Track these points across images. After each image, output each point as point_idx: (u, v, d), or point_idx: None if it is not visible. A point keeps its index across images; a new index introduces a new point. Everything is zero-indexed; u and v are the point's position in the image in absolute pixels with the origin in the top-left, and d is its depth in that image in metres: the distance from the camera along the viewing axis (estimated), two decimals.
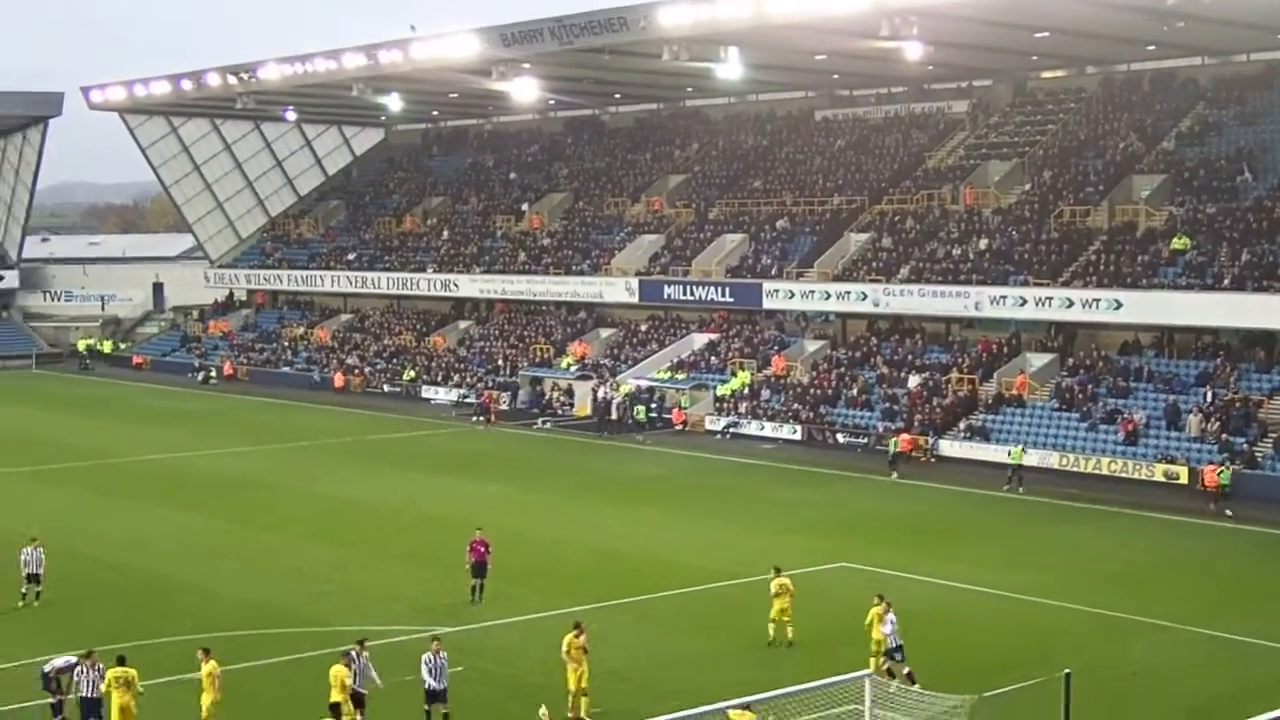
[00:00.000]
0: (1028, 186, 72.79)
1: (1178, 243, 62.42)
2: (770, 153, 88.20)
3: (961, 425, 62.25)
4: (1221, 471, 50.56)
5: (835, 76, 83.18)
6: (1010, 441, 59.45)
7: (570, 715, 27.57)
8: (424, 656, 27.22)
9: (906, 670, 29.17)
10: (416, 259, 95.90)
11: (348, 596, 37.91)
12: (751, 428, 68.02)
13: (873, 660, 29.00)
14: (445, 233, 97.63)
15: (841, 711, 25.68)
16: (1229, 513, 48.60)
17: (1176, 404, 57.41)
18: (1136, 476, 55.08)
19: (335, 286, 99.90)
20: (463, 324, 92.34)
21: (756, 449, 64.39)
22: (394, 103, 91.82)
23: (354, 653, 27.04)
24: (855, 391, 67.13)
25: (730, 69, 70.53)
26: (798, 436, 66.06)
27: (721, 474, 59.11)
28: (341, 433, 71.11)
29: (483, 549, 37.13)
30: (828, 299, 72.55)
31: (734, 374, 72.71)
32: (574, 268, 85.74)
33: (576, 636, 28.15)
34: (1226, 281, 58.92)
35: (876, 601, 30.13)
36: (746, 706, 24.73)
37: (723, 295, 76.87)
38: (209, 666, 26.51)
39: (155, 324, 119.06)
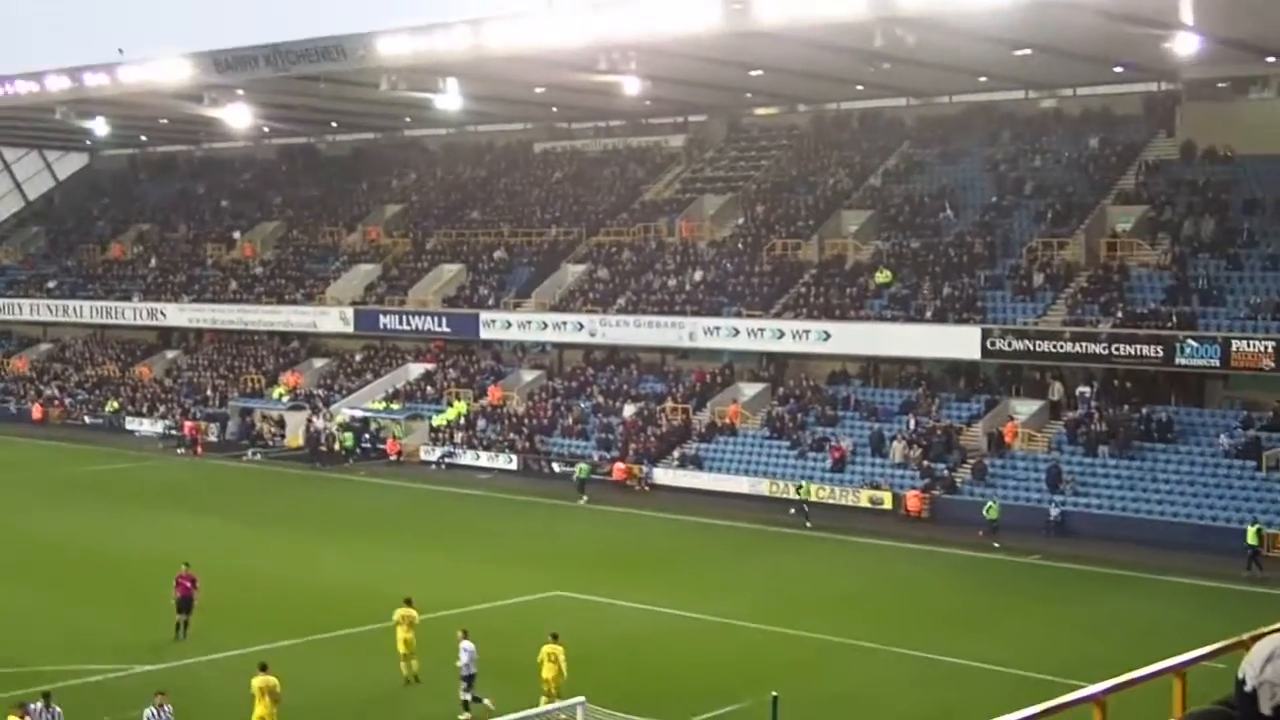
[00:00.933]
0: (741, 220, 74.20)
1: (880, 276, 64.36)
2: (488, 184, 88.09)
3: (675, 454, 62.94)
4: (989, 507, 51.06)
5: (554, 109, 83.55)
6: (722, 470, 60.43)
7: None
8: (145, 712, 25.93)
9: (473, 697, 29.48)
10: (122, 287, 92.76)
11: (47, 634, 36.22)
12: (467, 458, 67.60)
13: (543, 699, 28.64)
14: (153, 260, 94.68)
15: None
16: (996, 545, 49.19)
17: (881, 431, 59.06)
18: (843, 502, 56.41)
19: (34, 315, 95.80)
20: (170, 354, 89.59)
21: (472, 479, 63.97)
22: (100, 127, 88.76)
23: (37, 705, 25.49)
24: (571, 421, 67.33)
25: (449, 100, 70.19)
26: (514, 466, 65.88)
27: (437, 505, 58.54)
28: (39, 466, 68.22)
29: (189, 584, 35.95)
30: (544, 329, 72.67)
31: (450, 404, 72.21)
32: (287, 297, 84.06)
33: (265, 676, 27.45)
34: (929, 314, 60.95)
35: (550, 640, 29.87)
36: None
37: (439, 325, 76.31)
38: None
39: None
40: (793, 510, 54.32)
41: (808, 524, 53.01)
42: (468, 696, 29.62)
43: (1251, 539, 45.41)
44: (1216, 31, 54.13)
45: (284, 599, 40.64)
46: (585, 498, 58.18)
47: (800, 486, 56.03)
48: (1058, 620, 39.14)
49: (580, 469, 60.20)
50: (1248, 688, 3.50)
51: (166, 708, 25.91)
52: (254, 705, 27.09)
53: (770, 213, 73.42)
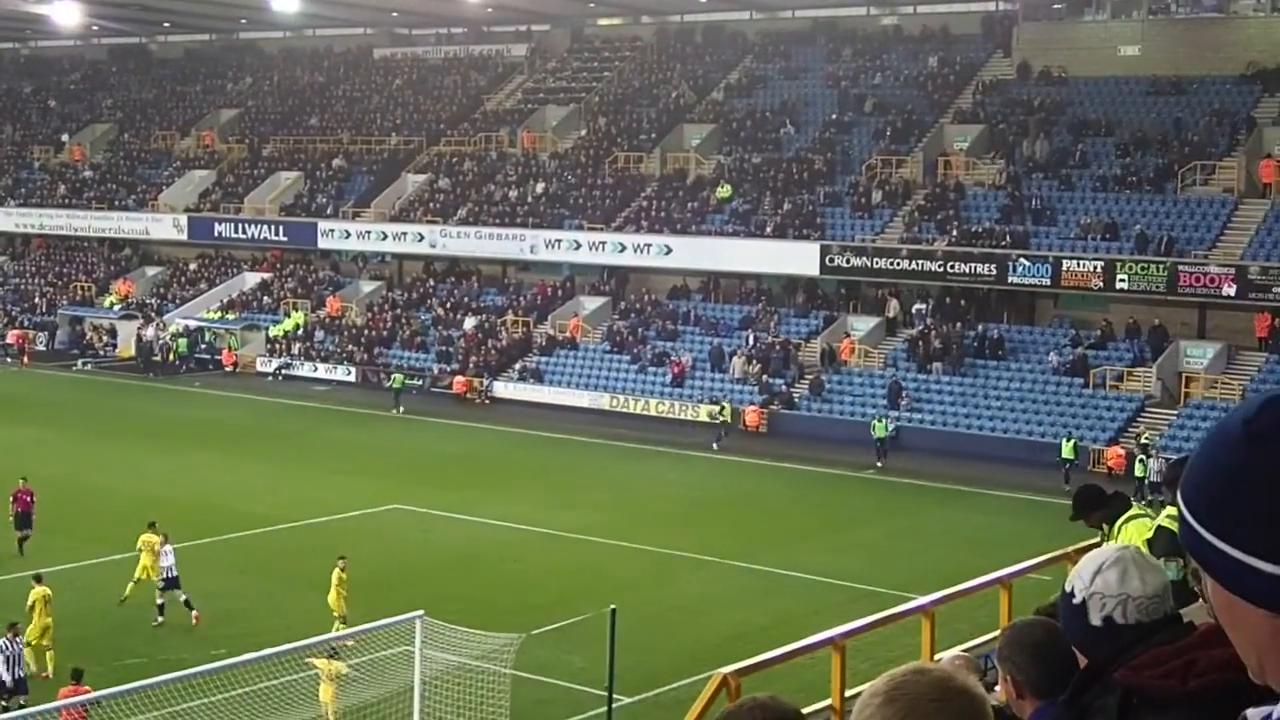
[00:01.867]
0: (584, 132, 73.85)
1: (721, 191, 64.59)
2: (327, 90, 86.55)
3: (516, 367, 62.82)
4: (878, 423, 50.50)
5: (394, 15, 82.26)
6: (563, 384, 60.52)
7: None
8: None
9: (185, 601, 29.80)
10: None
11: None
12: (305, 369, 66.78)
13: (337, 624, 27.96)
14: None
15: (395, 652, 25.50)
16: (879, 464, 49.19)
17: (721, 347, 59.49)
18: (683, 417, 56.77)
19: None
20: None
21: (310, 391, 63.20)
22: None
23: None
24: (410, 333, 66.81)
25: (286, 1, 68.66)
26: (352, 378, 65.23)
27: (274, 416, 57.86)
28: None
29: (28, 499, 35.19)
30: (384, 240, 71.86)
31: (287, 315, 71.20)
32: (118, 203, 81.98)
33: (41, 587, 27.09)
34: (769, 229, 61.35)
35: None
36: (333, 654, 24.24)
37: (276, 234, 75.02)
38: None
39: None
40: (716, 445, 52.28)
41: (715, 445, 52.12)
42: (163, 601, 29.80)
43: (1067, 453, 46.73)
44: None
45: (117, 512, 39.81)
46: (400, 408, 58.43)
47: (721, 408, 54.65)
48: (892, 533, 39.96)
49: (395, 379, 60.43)
50: (1076, 600, 3.56)
51: (19, 641, 25.05)
52: (34, 616, 26.65)
53: (612, 125, 73.16)
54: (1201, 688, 2.43)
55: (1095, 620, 3.51)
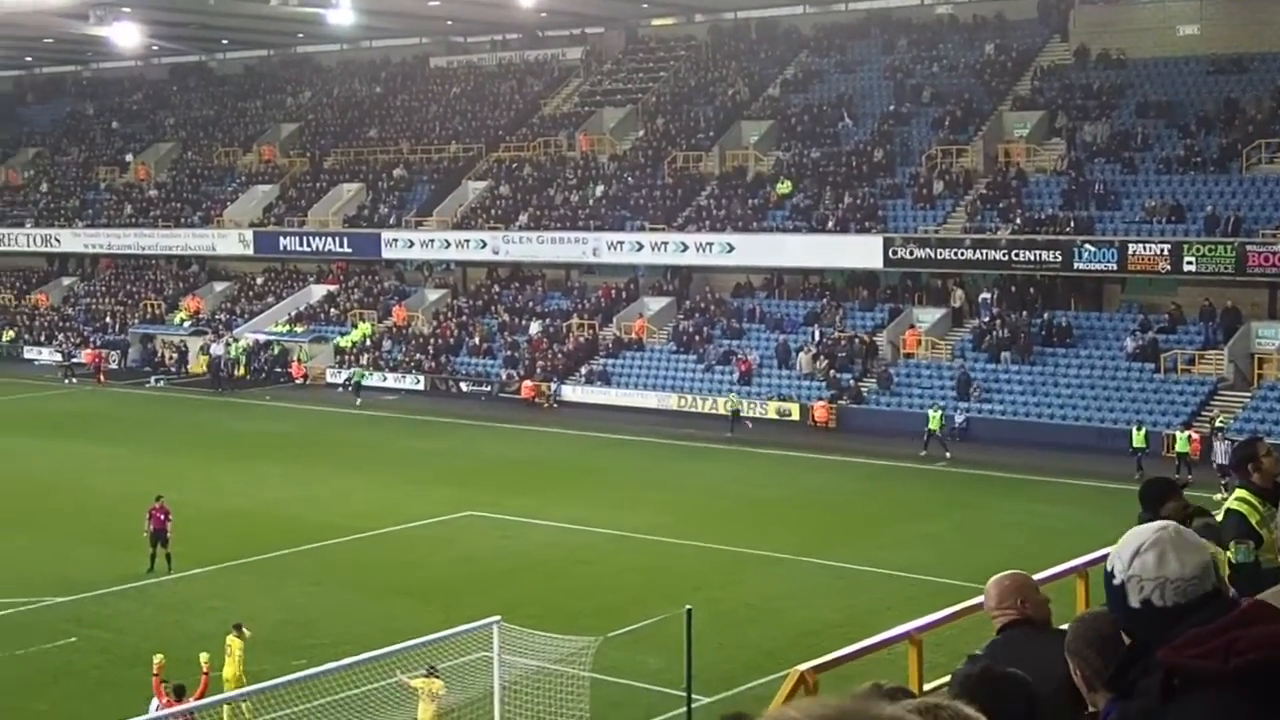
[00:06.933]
0: (641, 133, 73.95)
1: (781, 187, 64.51)
2: (385, 100, 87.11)
3: (583, 370, 63.00)
4: (934, 414, 49.58)
5: (449, 23, 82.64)
6: (630, 385, 60.65)
7: None
8: None
9: None
10: (13, 214, 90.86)
11: None
12: (374, 379, 67.18)
13: (226, 709, 24.63)
14: (44, 185, 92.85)
15: (474, 658, 25.70)
16: (949, 455, 48.59)
17: (787, 343, 59.42)
18: (751, 414, 56.74)
19: None
20: (66, 281, 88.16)
21: (379, 400, 63.65)
22: None
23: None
24: (477, 340, 67.15)
25: (342, 15, 69.17)
26: (421, 387, 65.64)
27: (345, 427, 58.28)
28: None
29: (162, 516, 35.37)
30: (447, 248, 72.25)
31: (354, 325, 71.73)
32: (184, 220, 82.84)
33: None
34: (831, 224, 61.23)
35: (233, 630, 26.27)
36: (432, 672, 24.18)
37: (340, 246, 75.59)
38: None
39: None
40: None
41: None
42: None
43: (1138, 442, 46.17)
44: None
45: (196, 525, 40.18)
46: (359, 400, 62.40)
47: (730, 402, 55.22)
48: (962, 525, 39.82)
49: (356, 373, 64.74)
50: (1116, 581, 3.57)
51: None
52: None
53: (670, 124, 73.22)
54: (1242, 666, 2.48)
55: (1134, 603, 3.52)
